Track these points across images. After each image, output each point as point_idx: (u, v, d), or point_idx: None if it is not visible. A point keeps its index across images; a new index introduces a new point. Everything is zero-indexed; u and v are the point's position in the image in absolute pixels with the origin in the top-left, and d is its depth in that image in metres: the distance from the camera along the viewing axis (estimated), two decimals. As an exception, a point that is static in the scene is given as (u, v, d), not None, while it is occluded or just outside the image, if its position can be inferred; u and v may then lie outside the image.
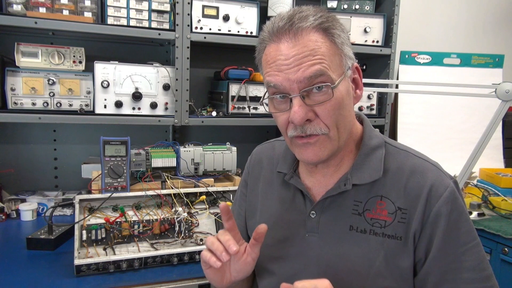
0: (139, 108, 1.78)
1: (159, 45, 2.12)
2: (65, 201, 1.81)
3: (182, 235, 1.44)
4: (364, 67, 2.34)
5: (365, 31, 2.13)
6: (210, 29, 1.85)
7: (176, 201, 1.51)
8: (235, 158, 1.83)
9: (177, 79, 1.80)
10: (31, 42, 1.66)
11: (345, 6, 2.16)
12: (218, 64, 2.12)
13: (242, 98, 1.90)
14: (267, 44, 0.83)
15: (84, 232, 1.35)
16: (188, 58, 1.81)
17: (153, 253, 1.34)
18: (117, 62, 1.73)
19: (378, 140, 0.91)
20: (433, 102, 2.53)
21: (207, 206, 1.56)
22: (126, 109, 1.75)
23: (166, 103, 1.82)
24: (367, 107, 2.18)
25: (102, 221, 1.38)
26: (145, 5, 1.74)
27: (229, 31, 1.89)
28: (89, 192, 1.60)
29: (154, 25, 1.77)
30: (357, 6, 2.16)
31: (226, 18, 1.86)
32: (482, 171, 2.31)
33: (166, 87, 1.80)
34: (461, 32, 2.86)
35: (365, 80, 1.57)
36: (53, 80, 1.66)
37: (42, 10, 1.62)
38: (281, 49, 0.79)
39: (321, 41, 0.78)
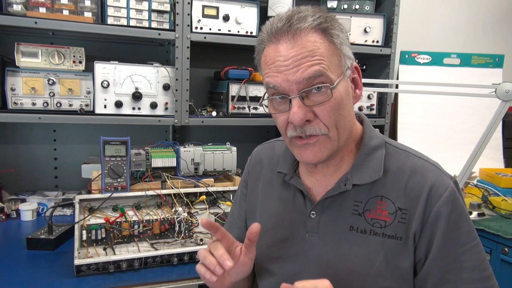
0: (139, 108, 1.78)
1: (159, 45, 2.12)
2: (65, 201, 1.81)
3: (182, 235, 1.44)
4: (364, 67, 2.34)
5: (365, 31, 2.13)
6: (210, 29, 1.85)
7: (176, 201, 1.51)
8: (235, 158, 1.83)
9: (177, 79, 1.80)
10: (31, 42, 1.66)
11: (345, 6, 2.16)
12: (218, 64, 2.12)
13: (242, 98, 1.90)
14: (266, 45, 0.83)
15: (84, 232, 1.35)
16: (188, 58, 1.81)
17: (153, 253, 1.34)
18: (117, 62, 1.73)
19: (378, 140, 0.91)
20: (433, 102, 2.53)
21: (207, 206, 1.56)
22: (126, 109, 1.75)
23: (166, 103, 1.82)
24: (367, 107, 2.18)
25: (102, 221, 1.38)
26: (145, 5, 1.74)
27: (229, 31, 1.89)
28: (89, 192, 1.60)
29: (154, 25, 1.77)
30: (357, 6, 2.16)
31: (226, 18, 1.86)
32: (482, 171, 2.31)
33: (166, 87, 1.80)
34: (461, 32, 2.86)
35: (365, 80, 1.57)
36: (53, 80, 1.66)
37: (42, 10, 1.62)
38: (280, 50, 0.79)
39: (319, 42, 0.78)
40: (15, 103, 1.63)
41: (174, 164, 1.71)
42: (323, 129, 0.81)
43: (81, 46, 1.71)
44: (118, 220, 1.39)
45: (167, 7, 1.77)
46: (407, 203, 0.84)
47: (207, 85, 2.23)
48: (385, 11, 2.23)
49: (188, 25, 1.79)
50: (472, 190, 2.15)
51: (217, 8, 1.85)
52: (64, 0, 1.65)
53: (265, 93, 0.86)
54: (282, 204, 0.97)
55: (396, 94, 2.53)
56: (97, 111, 1.72)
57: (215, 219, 1.53)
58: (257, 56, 0.88)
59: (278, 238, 0.95)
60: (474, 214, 1.86)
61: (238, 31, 1.90)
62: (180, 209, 1.47)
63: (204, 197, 1.56)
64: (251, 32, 1.92)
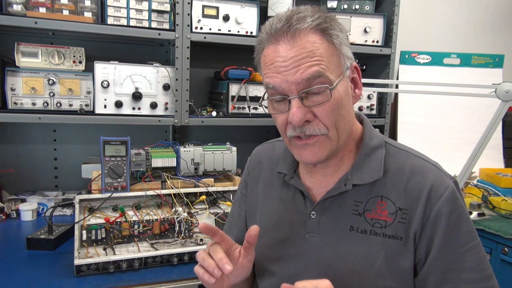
0: (139, 108, 1.78)
1: (159, 45, 2.12)
2: (65, 201, 1.81)
3: (182, 235, 1.44)
4: (364, 67, 2.34)
5: (365, 31, 2.13)
6: (210, 29, 1.85)
7: (176, 201, 1.51)
8: (235, 158, 1.83)
9: (177, 79, 1.80)
10: (31, 42, 1.66)
11: (345, 6, 2.16)
12: (218, 64, 2.12)
13: (242, 98, 1.90)
14: (266, 46, 0.83)
15: (84, 232, 1.35)
16: (188, 58, 1.81)
17: (153, 253, 1.34)
18: (117, 62, 1.73)
19: (378, 140, 0.91)
20: (433, 102, 2.53)
21: (207, 206, 1.56)
22: (126, 109, 1.75)
23: (166, 103, 1.82)
24: (367, 107, 2.18)
25: (102, 221, 1.38)
26: (145, 5, 1.74)
27: (229, 31, 1.89)
28: (89, 192, 1.60)
29: (154, 25, 1.77)
30: (357, 6, 2.16)
31: (226, 18, 1.86)
32: (482, 171, 2.31)
33: (166, 87, 1.80)
34: (461, 32, 2.86)
35: (365, 80, 1.57)
36: (53, 80, 1.66)
37: (42, 10, 1.62)
38: (279, 50, 0.79)
39: (319, 42, 0.78)
40: (15, 103, 1.63)
41: (174, 164, 1.71)
42: (322, 129, 0.81)
43: (81, 46, 1.71)
44: (118, 220, 1.39)
45: (167, 7, 1.77)
46: (407, 203, 0.84)
47: (207, 85, 2.23)
48: (385, 11, 2.23)
49: (188, 25, 1.79)
50: (472, 190, 2.15)
51: (217, 8, 1.85)
52: (64, 0, 1.65)
53: (265, 93, 0.86)
54: (282, 204, 0.97)
55: (396, 94, 2.53)
56: (97, 111, 1.72)
57: (215, 219, 1.53)
58: (256, 56, 0.88)
59: (278, 238, 0.95)
60: (474, 214, 1.86)
61: (238, 31, 1.90)
62: (180, 209, 1.47)
63: (204, 197, 1.56)
64: (251, 32, 1.92)
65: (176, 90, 1.81)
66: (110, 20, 1.71)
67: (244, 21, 1.89)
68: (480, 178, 2.29)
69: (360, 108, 2.16)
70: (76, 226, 1.35)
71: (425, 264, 0.83)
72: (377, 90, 2.12)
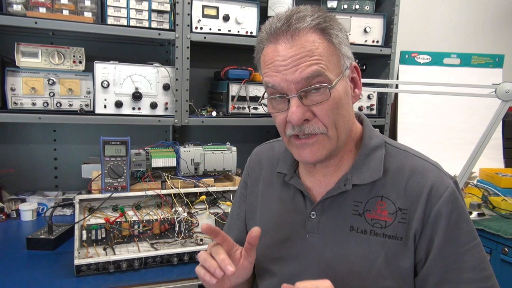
0: (139, 108, 1.78)
1: (159, 45, 2.12)
2: (65, 201, 1.81)
3: (182, 235, 1.44)
4: (364, 67, 2.34)
5: (365, 31, 2.13)
6: (210, 29, 1.85)
7: (176, 201, 1.51)
8: (235, 158, 1.83)
9: (177, 79, 1.80)
10: (31, 42, 1.66)
11: (345, 6, 2.16)
12: (218, 64, 2.12)
13: (242, 98, 1.90)
14: (265, 45, 0.83)
15: (84, 232, 1.35)
16: (188, 58, 1.81)
17: (153, 253, 1.34)
18: (117, 62, 1.73)
19: (378, 140, 0.91)
20: (433, 102, 2.53)
21: (207, 206, 1.56)
22: (126, 109, 1.75)
23: (166, 103, 1.82)
24: (367, 107, 2.18)
25: (102, 221, 1.38)
26: (145, 5, 1.74)
27: (229, 31, 1.89)
28: (89, 192, 1.60)
29: (154, 25, 1.77)
30: (357, 6, 2.16)
31: (226, 18, 1.86)
32: (482, 171, 2.31)
33: (166, 87, 1.80)
34: (461, 32, 2.86)
35: (365, 80, 1.57)
36: (53, 80, 1.66)
37: (42, 10, 1.62)
38: (279, 50, 0.79)
39: (318, 42, 0.79)
40: (15, 103, 1.63)
41: (174, 164, 1.71)
42: (321, 128, 0.81)
43: (81, 46, 1.71)
44: (118, 220, 1.39)
45: (167, 7, 1.77)
46: (407, 203, 0.84)
47: (207, 85, 2.23)
48: (385, 11, 2.23)
49: (188, 25, 1.79)
50: (472, 190, 2.15)
51: (217, 8, 1.85)
52: (64, 0, 1.65)
53: (264, 92, 0.86)
54: (282, 204, 0.97)
55: (396, 94, 2.53)
56: (97, 111, 1.72)
57: (215, 219, 1.53)
58: (256, 55, 0.88)
59: (279, 238, 0.95)
60: (474, 214, 1.86)
61: (238, 31, 1.90)
62: (180, 209, 1.47)
63: (204, 197, 1.56)
64: (251, 32, 1.92)
65: (176, 90, 1.81)
66: (110, 20, 1.71)
67: (244, 21, 1.89)
68: (480, 178, 2.29)
69: (360, 108, 2.16)
70: (76, 226, 1.35)
71: (425, 264, 0.83)
72: (377, 90, 2.12)
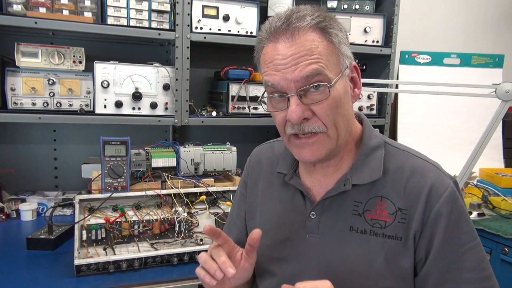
0: (139, 108, 1.78)
1: (159, 45, 2.12)
2: (65, 201, 1.81)
3: (182, 235, 1.44)
4: (364, 67, 2.34)
5: (365, 31, 2.13)
6: (210, 29, 1.85)
7: (176, 201, 1.51)
8: (235, 158, 1.83)
9: (177, 79, 1.80)
10: (31, 42, 1.66)
11: (345, 6, 2.16)
12: (218, 64, 2.12)
13: (242, 98, 1.90)
14: (265, 44, 0.83)
15: (84, 232, 1.35)
16: (188, 58, 1.81)
17: (153, 253, 1.34)
18: (117, 62, 1.73)
19: (378, 140, 0.91)
20: (433, 102, 2.53)
21: (207, 206, 1.56)
22: (126, 109, 1.75)
23: (166, 103, 1.82)
24: (367, 107, 2.18)
25: (102, 221, 1.38)
26: (145, 5, 1.74)
27: (229, 31, 1.89)
28: (89, 192, 1.60)
29: (154, 25, 1.77)
30: (357, 6, 2.16)
31: (226, 18, 1.86)
32: (482, 171, 2.31)
33: (166, 87, 1.80)
34: (461, 32, 2.86)
35: (365, 80, 1.57)
36: (53, 80, 1.66)
37: (42, 10, 1.62)
38: (279, 48, 0.79)
39: (318, 41, 0.79)
40: (15, 103, 1.63)
41: (174, 164, 1.71)
42: (321, 127, 0.81)
43: (81, 46, 1.71)
44: (118, 220, 1.39)
45: (167, 7, 1.77)
46: (407, 203, 0.84)
47: (207, 85, 2.23)
48: (385, 11, 2.23)
49: (188, 25, 1.79)
50: (472, 190, 2.15)
51: (217, 8, 1.85)
52: (64, 0, 1.65)
53: (264, 91, 0.86)
54: (282, 204, 0.97)
55: (396, 94, 2.53)
56: (97, 111, 1.72)
57: (215, 219, 1.53)
58: (256, 55, 0.88)
59: (279, 239, 0.95)
60: (474, 214, 1.86)
61: (238, 31, 1.90)
62: (180, 209, 1.47)
63: (204, 197, 1.56)
64: (251, 32, 1.92)
65: (176, 90, 1.81)
66: (110, 20, 1.71)
67: (244, 21, 1.89)
68: (480, 178, 2.29)
69: (360, 108, 2.16)
70: (76, 226, 1.35)
71: (425, 264, 0.83)
72: (377, 90, 2.12)
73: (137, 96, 1.74)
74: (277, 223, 0.96)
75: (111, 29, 1.70)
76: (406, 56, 2.57)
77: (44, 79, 1.66)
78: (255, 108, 1.93)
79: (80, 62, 1.71)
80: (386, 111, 2.23)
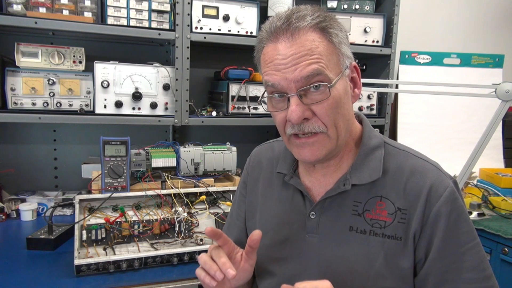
0: (139, 108, 1.78)
1: (159, 45, 2.12)
2: (65, 201, 1.81)
3: (182, 235, 1.44)
4: (364, 67, 2.34)
5: (365, 31, 2.13)
6: (210, 29, 1.85)
7: (176, 201, 1.51)
8: (235, 158, 1.83)
9: (177, 79, 1.80)
10: (31, 42, 1.66)
11: (345, 6, 2.16)
12: (218, 64, 2.12)
13: (242, 98, 1.90)
14: (265, 44, 0.83)
15: (84, 232, 1.35)
16: (188, 58, 1.81)
17: (153, 253, 1.34)
18: (117, 62, 1.73)
19: (378, 140, 0.91)
20: (433, 102, 2.53)
21: (207, 206, 1.56)
22: (126, 109, 1.75)
23: (166, 103, 1.82)
24: (367, 107, 2.18)
25: (102, 221, 1.38)
26: (145, 5, 1.74)
27: (229, 31, 1.89)
28: (89, 192, 1.60)
29: (154, 25, 1.77)
30: (357, 6, 2.16)
31: (226, 18, 1.86)
32: (482, 171, 2.31)
33: (166, 87, 1.80)
34: (461, 32, 2.86)
35: (365, 80, 1.57)
36: (53, 80, 1.66)
37: (42, 10, 1.62)
38: (279, 48, 0.79)
39: (318, 41, 0.79)
40: (15, 103, 1.63)
41: (174, 164, 1.71)
42: (321, 127, 0.81)
43: (81, 46, 1.71)
44: (118, 220, 1.39)
45: (167, 7, 1.77)
46: (406, 203, 0.84)
47: (207, 85, 2.23)
48: (385, 11, 2.23)
49: (188, 25, 1.79)
50: (472, 190, 2.15)
51: (217, 8, 1.85)
52: (64, 0, 1.65)
53: (264, 91, 0.86)
54: (282, 204, 0.97)
55: (396, 94, 2.53)
56: (97, 111, 1.72)
57: (215, 219, 1.53)
58: (256, 54, 0.88)
59: (278, 239, 0.95)
60: (474, 214, 1.86)
61: (238, 31, 1.90)
62: (180, 209, 1.47)
63: (204, 197, 1.56)
64: (251, 32, 1.92)
65: (176, 90, 1.81)
66: (110, 20, 1.71)
67: (244, 21, 1.89)
68: (480, 178, 2.29)
69: (360, 108, 2.16)
70: (76, 226, 1.35)
71: (425, 264, 0.83)
72: (377, 90, 2.12)
73: (137, 96, 1.74)
74: (277, 223, 0.96)
75: (111, 29, 1.70)
76: (406, 56, 2.57)
77: (44, 79, 1.66)
78: (255, 108, 1.93)
79: (80, 62, 1.71)
80: (386, 111, 2.23)
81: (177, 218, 1.45)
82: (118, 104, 1.73)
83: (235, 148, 1.84)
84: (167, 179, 1.61)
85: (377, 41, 2.17)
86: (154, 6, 1.75)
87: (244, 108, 1.91)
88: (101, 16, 1.72)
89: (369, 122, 0.96)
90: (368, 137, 0.91)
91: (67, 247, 1.48)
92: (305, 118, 0.80)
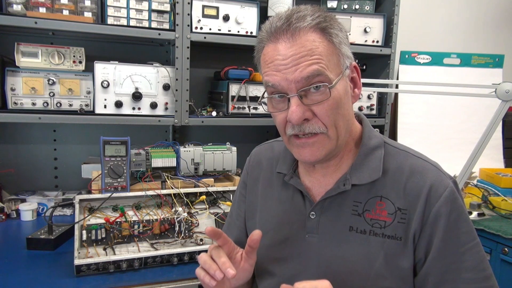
0: (139, 108, 1.78)
1: (159, 45, 2.12)
2: (65, 201, 1.81)
3: (182, 235, 1.44)
4: (364, 67, 2.34)
5: (365, 31, 2.13)
6: (210, 29, 1.85)
7: (176, 201, 1.51)
8: (235, 158, 1.83)
9: (177, 79, 1.80)
10: (31, 42, 1.66)
11: (345, 6, 2.16)
12: (218, 64, 2.12)
13: (242, 98, 1.90)
14: (265, 44, 0.83)
15: (84, 232, 1.35)
16: (188, 58, 1.81)
17: (153, 253, 1.34)
18: (117, 62, 1.73)
19: (378, 140, 0.91)
20: (433, 102, 2.53)
21: (207, 206, 1.56)
22: (126, 109, 1.75)
23: (166, 103, 1.82)
24: (367, 107, 2.18)
25: (102, 221, 1.38)
26: (145, 5, 1.74)
27: (229, 31, 1.89)
28: (89, 192, 1.60)
29: (154, 25, 1.77)
30: (357, 6, 2.16)
31: (226, 18, 1.86)
32: (482, 171, 2.31)
33: (166, 87, 1.80)
34: (461, 32, 2.86)
35: (365, 80, 1.57)
36: (53, 80, 1.66)
37: (42, 10, 1.62)
38: (279, 49, 0.79)
39: (318, 41, 0.79)
40: (15, 103, 1.63)
41: (174, 164, 1.71)
42: (321, 128, 0.81)
43: (81, 46, 1.71)
44: (118, 220, 1.39)
45: (167, 7, 1.77)
46: (406, 203, 0.84)
47: (207, 85, 2.23)
48: (385, 11, 2.23)
49: (188, 25, 1.79)
50: (472, 190, 2.15)
51: (217, 8, 1.85)
52: (64, 0, 1.65)
53: (264, 91, 0.86)
54: (282, 204, 0.97)
55: (396, 94, 2.53)
56: (97, 111, 1.72)
57: (215, 219, 1.53)
58: (256, 55, 0.88)
59: (278, 239, 0.95)
60: (474, 214, 1.86)
61: (238, 31, 1.90)
62: (180, 209, 1.47)
63: (204, 197, 1.56)
64: (251, 32, 1.92)
65: (176, 90, 1.81)
66: (110, 20, 1.71)
67: (244, 21, 1.89)
68: (480, 178, 2.29)
69: (360, 108, 2.16)
70: (76, 226, 1.35)
71: (425, 264, 0.83)
72: (377, 90, 2.12)
73: (137, 96, 1.74)
74: (277, 223, 0.96)
75: (111, 29, 1.70)
76: (406, 56, 2.57)
77: (44, 79, 1.66)
78: (255, 108, 1.93)
79: (80, 62, 1.71)
80: (386, 111, 2.23)
81: (177, 218, 1.45)
82: (118, 104, 1.73)
83: (235, 148, 1.84)
84: (167, 179, 1.61)
85: (377, 41, 2.17)
86: (154, 6, 1.75)
87: (244, 108, 1.91)
88: (101, 16, 1.72)
89: (369, 122, 0.96)
90: (368, 137, 0.91)
91: (67, 247, 1.48)
92: (305, 119, 0.80)
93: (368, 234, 0.85)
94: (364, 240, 0.85)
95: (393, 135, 2.52)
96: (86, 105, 1.74)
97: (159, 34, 1.76)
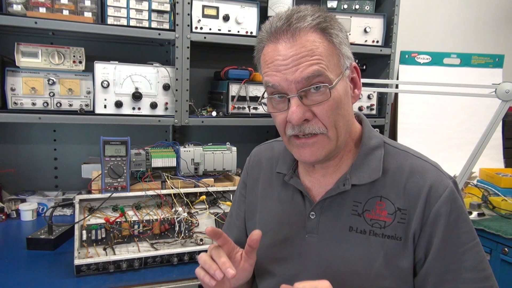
0: (139, 108, 1.78)
1: (159, 45, 2.12)
2: (65, 201, 1.81)
3: (182, 235, 1.44)
4: (364, 67, 2.34)
5: (365, 31, 2.13)
6: (210, 29, 1.85)
7: (176, 201, 1.51)
8: (235, 158, 1.83)
9: (177, 79, 1.81)
10: (31, 42, 1.66)
11: (345, 6, 2.16)
12: (218, 64, 2.13)
13: (242, 98, 1.90)
14: (265, 44, 0.83)
15: (84, 232, 1.35)
16: (188, 58, 1.81)
17: (153, 253, 1.34)
18: (117, 62, 1.73)
19: (377, 140, 0.91)
20: (433, 102, 2.53)
21: (207, 206, 1.56)
22: (126, 109, 1.75)
23: (166, 103, 1.82)
24: (367, 107, 2.18)
25: (102, 221, 1.38)
26: (145, 5, 1.74)
27: (229, 31, 1.89)
28: (89, 192, 1.60)
29: (154, 25, 1.77)
30: (357, 6, 2.16)
31: (226, 18, 1.86)
32: (482, 171, 2.31)
33: (166, 87, 1.80)
34: (461, 32, 2.86)
35: (365, 80, 1.57)
36: (53, 80, 1.66)
37: (42, 10, 1.62)
38: (279, 49, 0.79)
39: (319, 41, 0.79)
40: (15, 103, 1.63)
41: (174, 164, 1.71)
42: (321, 128, 0.81)
43: (81, 46, 1.71)
44: (118, 220, 1.39)
45: (167, 7, 1.77)
46: (406, 203, 0.84)
47: (207, 85, 2.23)
48: (385, 11, 2.23)
49: (188, 25, 1.79)
50: (472, 190, 2.15)
51: (217, 8, 1.85)
52: (64, 0, 1.65)
53: (264, 92, 0.86)
54: (282, 205, 0.97)
55: (396, 94, 2.53)
56: (97, 111, 1.72)
57: (215, 219, 1.53)
58: (256, 55, 0.88)
59: (278, 239, 0.95)
60: (474, 214, 1.86)
61: (238, 31, 1.90)
62: (180, 209, 1.47)
63: (204, 197, 1.56)
64: (251, 32, 1.92)
65: (176, 90, 1.81)
66: (110, 20, 1.71)
67: (244, 21, 1.89)
68: (480, 178, 2.29)
69: (360, 108, 2.16)
70: (76, 226, 1.35)
71: (425, 264, 0.83)
72: (377, 90, 2.12)
73: (137, 96, 1.74)
74: (277, 223, 0.96)
75: (111, 29, 1.70)
76: (406, 56, 2.57)
77: (44, 79, 1.66)
78: (255, 108, 1.93)
79: (80, 62, 1.71)
80: (386, 111, 2.23)
81: (177, 218, 1.45)
82: (118, 104, 1.73)
83: (235, 148, 1.84)
84: (167, 179, 1.61)
85: (377, 41, 2.17)
86: (154, 6, 1.75)
87: (244, 108, 1.91)
88: (101, 16, 1.72)
89: (369, 122, 0.96)
90: (368, 137, 0.91)
91: (67, 247, 1.48)
92: (305, 119, 0.80)
93: (368, 234, 0.85)
94: (364, 240, 0.85)
95: (393, 135, 2.52)
96: (86, 105, 1.74)
97: (159, 34, 1.76)
